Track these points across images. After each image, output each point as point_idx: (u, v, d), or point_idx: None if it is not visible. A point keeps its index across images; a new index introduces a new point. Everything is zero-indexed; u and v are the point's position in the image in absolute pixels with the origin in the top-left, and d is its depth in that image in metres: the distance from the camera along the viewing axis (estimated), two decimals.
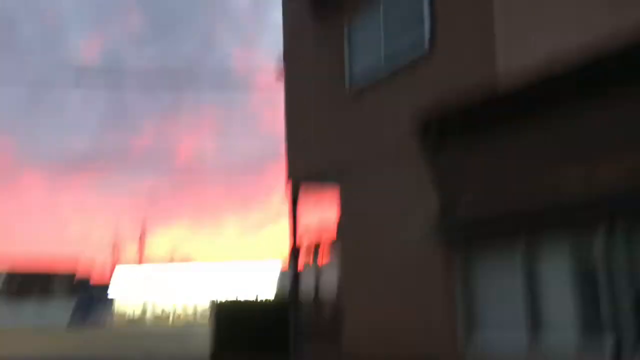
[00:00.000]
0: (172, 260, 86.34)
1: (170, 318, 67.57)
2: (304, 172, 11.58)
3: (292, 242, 11.73)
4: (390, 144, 9.35)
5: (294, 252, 11.74)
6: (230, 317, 14.97)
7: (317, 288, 11.24)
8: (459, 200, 8.13)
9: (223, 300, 15.76)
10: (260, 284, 64.64)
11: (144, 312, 67.95)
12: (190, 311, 68.71)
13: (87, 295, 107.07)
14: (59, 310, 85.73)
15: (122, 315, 67.57)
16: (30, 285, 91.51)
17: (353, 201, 10.24)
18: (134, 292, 69.29)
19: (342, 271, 10.30)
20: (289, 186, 11.88)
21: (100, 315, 73.94)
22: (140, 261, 79.19)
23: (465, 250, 8.17)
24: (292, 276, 11.74)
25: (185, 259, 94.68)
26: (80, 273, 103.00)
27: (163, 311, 68.36)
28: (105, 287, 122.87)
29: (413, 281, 8.72)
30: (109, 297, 71.69)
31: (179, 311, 68.70)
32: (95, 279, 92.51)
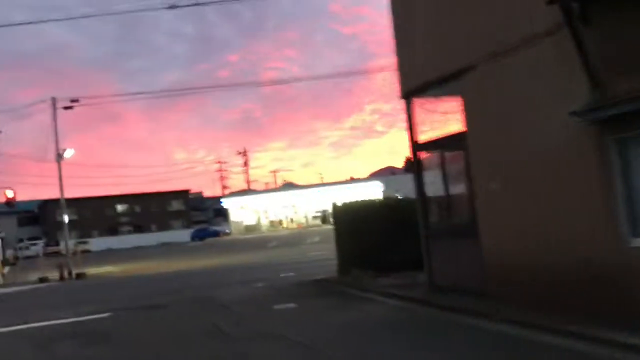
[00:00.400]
0: (274, 184, 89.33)
1: (284, 223, 69.91)
2: (418, 75, 10.58)
3: (412, 145, 11.01)
4: (527, 23, 8.13)
5: (416, 155, 11.04)
6: (355, 217, 14.19)
7: (446, 192, 10.49)
8: (614, 78, 6.95)
9: (346, 202, 15.35)
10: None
11: (258, 221, 70.47)
12: (300, 219, 70.53)
13: (203, 208, 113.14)
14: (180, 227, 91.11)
15: (239, 224, 70.39)
16: (153, 206, 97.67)
17: (484, 101, 9.20)
18: (246, 208, 71.53)
19: (476, 176, 9.45)
20: (403, 93, 11.04)
21: (219, 227, 77.51)
22: (247, 186, 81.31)
23: (623, 132, 7.04)
24: (417, 179, 11.07)
25: (287, 182, 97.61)
26: (196, 191, 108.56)
27: (277, 217, 70.79)
28: (218, 201, 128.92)
29: (562, 179, 7.75)
30: (224, 208, 74.24)
31: (289, 220, 70.85)
32: (207, 195, 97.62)
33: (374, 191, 67.80)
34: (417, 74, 10.63)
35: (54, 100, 29.74)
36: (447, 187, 10.44)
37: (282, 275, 17.87)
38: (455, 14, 9.60)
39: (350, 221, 14.10)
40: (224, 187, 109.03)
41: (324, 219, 69.21)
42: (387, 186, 67.90)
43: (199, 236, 70.48)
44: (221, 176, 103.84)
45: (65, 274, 27.91)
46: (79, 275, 28.51)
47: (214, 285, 17.12)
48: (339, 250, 14.72)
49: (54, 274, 27.88)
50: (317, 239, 41.99)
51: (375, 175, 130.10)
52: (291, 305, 11.59)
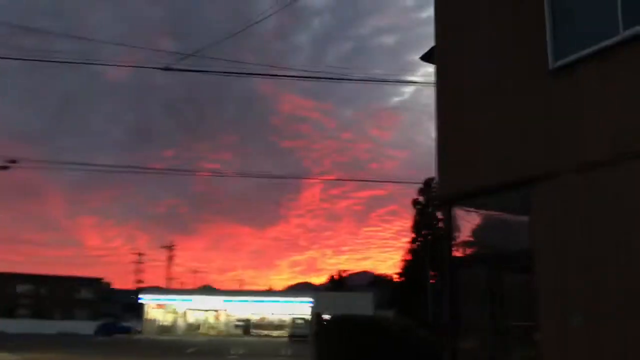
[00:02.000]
0: (192, 285, 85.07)
1: (201, 328, 65.19)
2: (467, 179, 9.15)
3: (449, 259, 9.35)
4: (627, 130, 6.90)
5: (453, 272, 9.32)
6: (356, 338, 12.00)
7: (492, 321, 8.73)
8: None
9: (340, 315, 13.13)
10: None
11: (174, 321, 65.44)
12: (220, 327, 66.17)
13: (112, 300, 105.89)
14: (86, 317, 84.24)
15: (153, 323, 65.06)
16: (59, 291, 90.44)
17: (566, 215, 7.74)
18: (163, 304, 66.62)
19: (544, 306, 7.78)
20: (443, 199, 9.54)
21: (128, 324, 71.81)
22: (165, 283, 76.88)
23: None
24: (451, 300, 9.27)
25: (205, 285, 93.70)
26: (106, 281, 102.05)
27: (195, 320, 66.02)
28: (128, 294, 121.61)
29: None
30: (137, 303, 68.95)
31: (210, 323, 66.30)
32: (120, 286, 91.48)
33: (301, 307, 65.06)
34: (464, 178, 9.19)
35: None
36: (494, 314, 8.70)
37: None
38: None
39: (348, 343, 11.83)
40: (139, 281, 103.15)
41: (246, 329, 65.26)
42: (317, 303, 65.34)
43: (105, 330, 64.46)
44: (137, 269, 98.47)
45: None
46: None
47: None
48: None
49: None
50: (241, 350, 38.69)
51: (290, 289, 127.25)
52: None
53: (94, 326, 72.71)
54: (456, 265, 9.28)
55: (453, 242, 9.34)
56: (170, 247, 77.04)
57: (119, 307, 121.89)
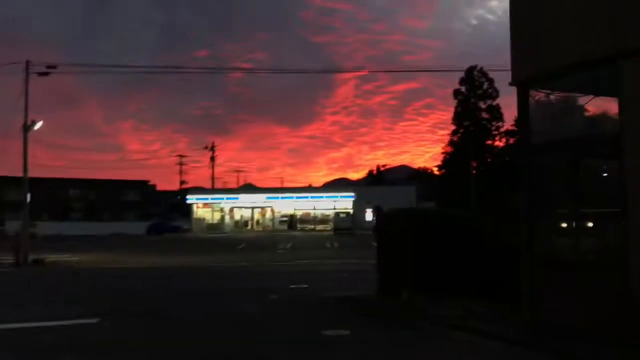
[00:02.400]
0: (235, 184, 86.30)
1: (249, 225, 66.81)
2: (546, 56, 8.34)
3: (523, 146, 8.76)
4: None
5: (528, 159, 8.75)
6: (411, 228, 11.43)
7: (575, 211, 8.23)
8: None
9: (403, 208, 12.76)
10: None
11: (221, 219, 67.12)
12: (266, 223, 67.59)
13: (157, 202, 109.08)
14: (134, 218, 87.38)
15: (201, 222, 66.90)
16: (107, 194, 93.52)
17: None
18: (209, 203, 67.99)
19: (635, 193, 7.21)
20: (518, 79, 8.79)
21: (177, 222, 74.00)
22: (211, 184, 77.88)
23: None
24: (525, 191, 8.77)
25: (247, 183, 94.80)
26: (151, 183, 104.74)
27: (241, 217, 67.60)
28: (172, 195, 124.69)
29: None
30: (183, 203, 70.45)
31: (256, 219, 67.80)
32: (163, 188, 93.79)
33: (343, 202, 65.74)
34: (544, 55, 8.40)
35: (27, 64, 26.43)
36: (577, 204, 8.19)
37: (291, 286, 15.35)
38: None
39: (402, 232, 11.53)
40: (182, 182, 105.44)
41: (290, 224, 66.60)
42: (358, 197, 65.93)
43: (156, 230, 66.59)
44: (180, 170, 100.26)
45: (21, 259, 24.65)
46: (37, 262, 25.29)
47: (213, 292, 14.50)
48: (383, 265, 12.27)
49: (4, 258, 24.61)
50: (289, 245, 39.65)
51: (329, 185, 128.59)
52: (344, 332, 9.13)
53: (143, 227, 75.25)
54: (533, 151, 8.69)
55: (529, 127, 8.69)
56: (211, 148, 77.60)
57: (164, 207, 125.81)
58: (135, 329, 9.83)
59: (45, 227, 68.53)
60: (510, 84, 8.88)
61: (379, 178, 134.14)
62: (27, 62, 26.45)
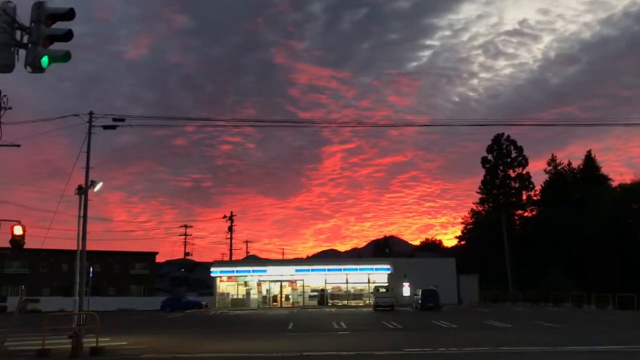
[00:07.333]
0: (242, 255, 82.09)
1: (279, 302, 61.79)
2: None
3: None
4: None
5: None
6: None
7: None
8: None
9: None
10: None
11: (246, 294, 62.17)
12: (296, 298, 62.65)
13: (159, 274, 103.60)
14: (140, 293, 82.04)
15: (224, 297, 61.89)
16: (113, 265, 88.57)
17: None
18: (234, 276, 63.18)
19: None
20: None
21: (193, 298, 69.04)
22: (229, 256, 73.47)
23: None
24: None
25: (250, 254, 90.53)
26: (161, 256, 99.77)
27: (267, 292, 62.62)
28: (175, 267, 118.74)
29: None
30: (210, 275, 65.64)
31: (285, 294, 62.88)
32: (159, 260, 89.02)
33: (379, 276, 61.42)
34: None
35: (91, 116, 22.79)
36: None
37: None
38: None
39: None
40: (187, 254, 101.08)
41: (320, 299, 61.80)
42: (395, 269, 61.65)
43: (171, 306, 61.49)
44: (185, 241, 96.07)
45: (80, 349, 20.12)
46: (96, 351, 20.72)
47: None
48: None
49: (52, 343, 20.04)
50: (342, 323, 34.63)
51: (316, 257, 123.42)
52: None
53: (151, 302, 69.98)
54: None
55: None
56: (230, 218, 73.43)
57: (167, 281, 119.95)
58: None
59: (47, 303, 63.44)
60: None
61: (383, 248, 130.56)
62: (91, 113, 22.85)
